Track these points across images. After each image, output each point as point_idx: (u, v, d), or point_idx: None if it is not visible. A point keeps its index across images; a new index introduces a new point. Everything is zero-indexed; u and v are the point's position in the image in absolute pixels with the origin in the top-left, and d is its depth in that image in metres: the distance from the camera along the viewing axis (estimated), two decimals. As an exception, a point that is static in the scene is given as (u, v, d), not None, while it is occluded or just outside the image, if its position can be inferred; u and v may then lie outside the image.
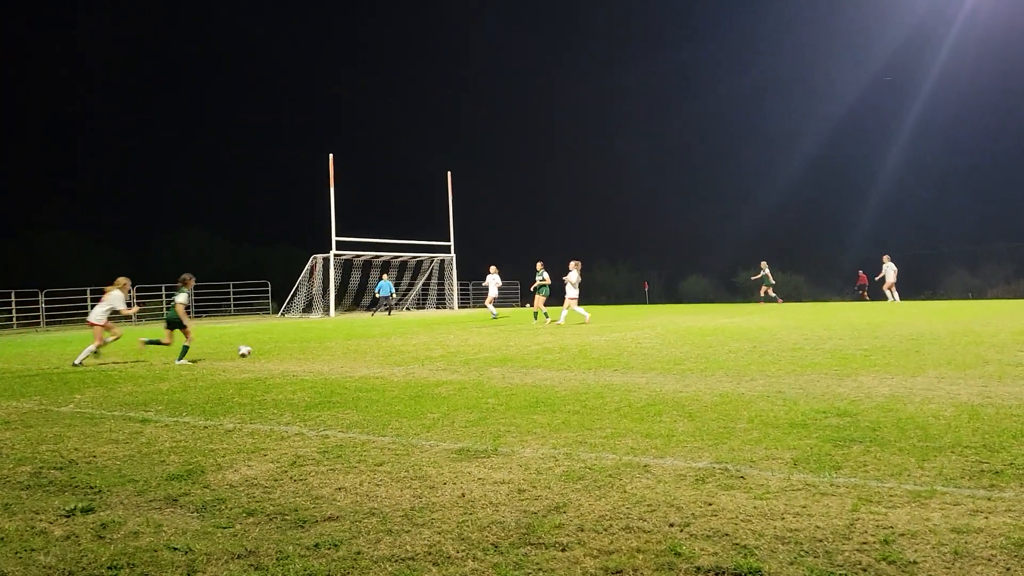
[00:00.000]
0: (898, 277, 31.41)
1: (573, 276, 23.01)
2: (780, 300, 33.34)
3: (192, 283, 13.36)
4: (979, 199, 54.23)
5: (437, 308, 40.03)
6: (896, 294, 31.34)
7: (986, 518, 3.78)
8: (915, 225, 53.60)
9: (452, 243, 39.55)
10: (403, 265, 39.29)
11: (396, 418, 6.96)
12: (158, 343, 13.22)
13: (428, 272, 40.23)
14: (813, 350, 10.88)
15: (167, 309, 13.36)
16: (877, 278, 32.21)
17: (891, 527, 3.71)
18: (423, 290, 40.55)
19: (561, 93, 75.19)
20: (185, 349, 12.78)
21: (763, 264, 33.18)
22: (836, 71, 63.35)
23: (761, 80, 65.42)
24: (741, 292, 48.28)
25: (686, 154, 70.66)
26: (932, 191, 55.61)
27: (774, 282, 33.36)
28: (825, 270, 51.06)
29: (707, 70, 70.74)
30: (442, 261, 39.96)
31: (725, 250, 55.47)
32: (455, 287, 40.07)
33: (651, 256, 57.89)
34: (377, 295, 33.79)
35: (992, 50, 52.02)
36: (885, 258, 31.37)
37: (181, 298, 12.91)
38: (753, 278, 34.05)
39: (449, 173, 39.36)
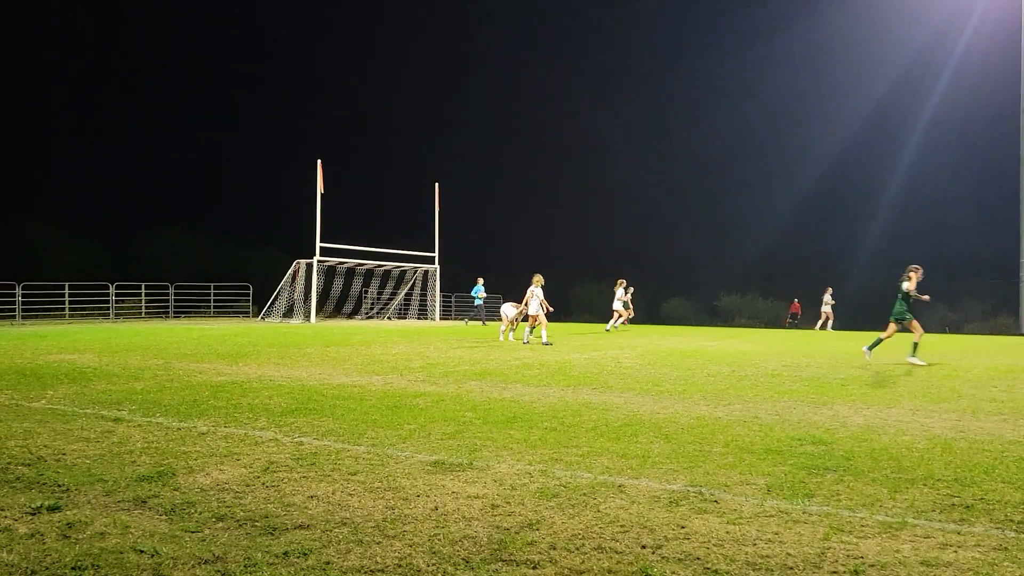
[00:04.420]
0: (823, 304, 33.10)
1: (620, 293, 25.35)
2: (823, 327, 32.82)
3: None
4: (961, 237, 55.15)
5: (419, 318, 39.56)
6: (820, 324, 32.91)
7: (955, 552, 3.81)
8: (900, 259, 54.59)
9: (437, 254, 39.50)
10: (386, 274, 39.18)
11: (372, 427, 6.91)
12: None
13: (411, 282, 39.91)
14: (791, 377, 10.95)
15: None
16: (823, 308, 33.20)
17: (861, 557, 3.73)
18: (405, 300, 40.20)
19: (555, 111, 75.74)
20: None
21: (828, 289, 33.33)
22: (831, 106, 64.41)
23: (756, 111, 66.39)
24: (721, 316, 48.31)
25: (676, 179, 71.22)
26: (921, 225, 56.49)
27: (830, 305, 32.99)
28: (815, 300, 51.61)
29: (703, 97, 71.61)
30: (426, 272, 39.65)
31: (709, 274, 55.71)
32: (438, 298, 39.85)
33: (635, 276, 57.72)
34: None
35: (982, 96, 53.09)
36: (828, 290, 33.22)
37: None
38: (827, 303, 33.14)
39: (437, 184, 39.32)
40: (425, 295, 40.02)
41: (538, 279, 18.60)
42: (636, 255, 62.32)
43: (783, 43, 64.09)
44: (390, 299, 40.16)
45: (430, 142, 75.47)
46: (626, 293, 26.81)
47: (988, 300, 45.96)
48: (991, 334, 36.18)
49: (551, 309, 19.64)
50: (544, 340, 17.89)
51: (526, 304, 18.55)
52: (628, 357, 14.31)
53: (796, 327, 38.50)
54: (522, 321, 19.91)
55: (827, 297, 32.69)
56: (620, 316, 26.61)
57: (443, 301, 41.71)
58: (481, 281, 32.26)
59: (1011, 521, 4.31)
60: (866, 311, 42.59)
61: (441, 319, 40.62)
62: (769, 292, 48.89)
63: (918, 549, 3.84)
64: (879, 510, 4.49)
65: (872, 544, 3.91)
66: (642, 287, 54.70)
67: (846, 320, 37.84)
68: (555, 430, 6.83)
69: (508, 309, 20.22)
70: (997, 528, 4.19)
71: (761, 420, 7.41)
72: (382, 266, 38.36)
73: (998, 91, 48.90)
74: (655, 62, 75.38)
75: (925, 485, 5.05)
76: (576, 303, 50.36)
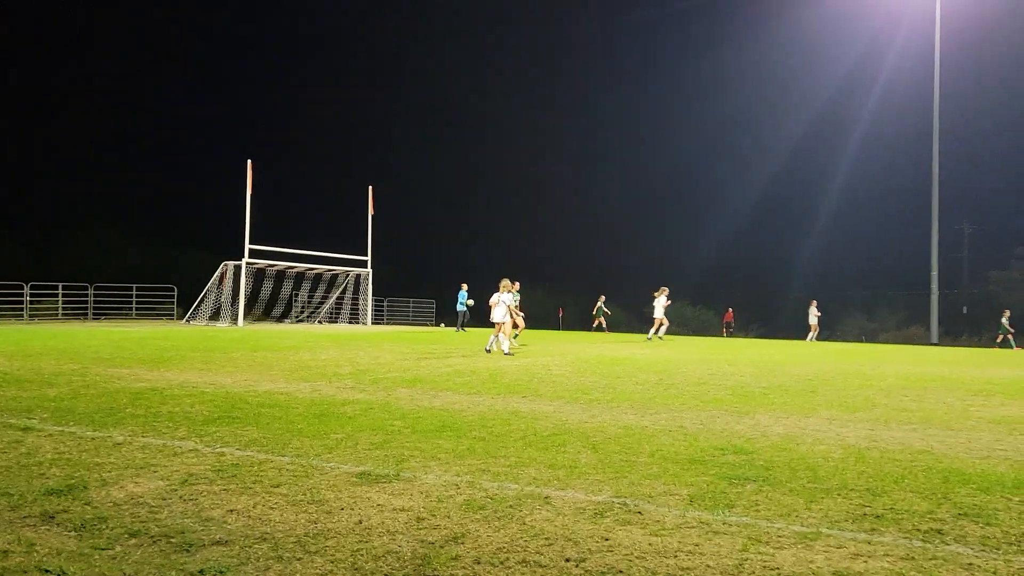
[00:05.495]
0: (810, 316, 34.04)
1: (661, 301, 25.59)
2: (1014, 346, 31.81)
3: None
4: (880, 249, 57.65)
5: (350, 323, 39.12)
6: (812, 335, 33.79)
7: (865, 562, 3.94)
8: (828, 270, 56.56)
9: (369, 258, 39.05)
10: (318, 278, 38.44)
11: (298, 437, 6.76)
12: None
13: (343, 286, 39.39)
14: (716, 385, 11.21)
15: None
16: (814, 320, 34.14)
17: (777, 568, 3.83)
18: (337, 304, 39.67)
19: (496, 115, 75.65)
20: None
21: (1006, 312, 32.62)
22: (766, 123, 66.41)
23: (691, 126, 68.09)
24: (652, 322, 49.45)
25: (615, 188, 72.00)
26: (848, 237, 58.95)
27: (1012, 329, 31.97)
28: (752, 306, 53.07)
29: (640, 108, 72.78)
30: (358, 276, 39.27)
31: (642, 280, 56.03)
32: (370, 303, 39.56)
33: (569, 282, 57.41)
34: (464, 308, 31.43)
35: (904, 114, 55.55)
36: (813, 302, 33.95)
37: None
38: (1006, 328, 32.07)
39: (371, 188, 38.95)
40: (357, 299, 39.46)
41: (506, 284, 17.68)
42: (570, 261, 62.61)
43: (716, 61, 66.00)
44: (321, 303, 39.57)
45: (366, 144, 74.50)
46: (665, 300, 26.42)
47: (902, 311, 48.09)
48: (903, 343, 37.82)
49: (521, 314, 19.29)
50: (505, 349, 17.14)
51: (492, 310, 17.68)
52: (559, 365, 14.42)
53: (733, 335, 40.07)
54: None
55: (813, 309, 33.65)
56: (662, 325, 26.22)
57: (375, 305, 41.51)
58: (465, 287, 31.30)
59: (918, 531, 4.49)
60: (797, 321, 43.99)
61: (373, 323, 40.32)
62: (698, 301, 49.94)
63: (831, 559, 3.96)
64: (795, 520, 4.62)
65: (788, 555, 4.01)
66: (576, 293, 54.79)
67: (775, 329, 39.20)
68: (484, 440, 6.81)
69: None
70: (905, 538, 4.36)
71: (686, 429, 7.53)
72: (313, 269, 37.72)
73: (919, 109, 51.18)
74: (591, 72, 76.32)
75: (839, 495, 5.21)
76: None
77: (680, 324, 47.06)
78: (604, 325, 35.77)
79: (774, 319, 51.34)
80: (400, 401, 9.00)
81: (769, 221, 64.82)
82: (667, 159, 71.43)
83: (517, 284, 20.12)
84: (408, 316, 46.13)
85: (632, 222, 69.18)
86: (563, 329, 42.10)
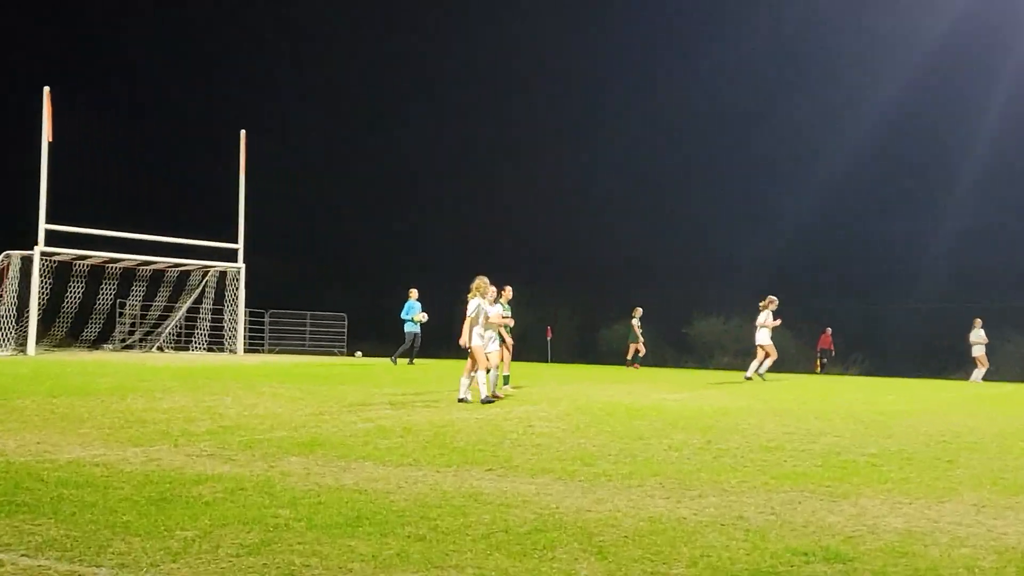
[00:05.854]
0: (972, 344, 23.41)
1: (764, 318, 19.35)
2: None
3: None
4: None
5: (210, 349, 27.89)
6: (980, 371, 23.42)
7: None
8: (970, 269, 34.45)
9: (241, 246, 27.09)
10: (157, 277, 27.07)
11: (124, 535, 4.58)
12: None
13: (199, 290, 27.68)
14: (796, 451, 8.18)
15: None
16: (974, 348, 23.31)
17: None
18: (188, 321, 28.20)
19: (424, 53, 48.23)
20: None
21: None
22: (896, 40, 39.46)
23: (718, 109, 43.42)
24: (693, 350, 33.43)
25: (619, 147, 45.08)
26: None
27: None
28: (853, 325, 33.79)
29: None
30: (222, 275, 27.49)
31: (674, 288, 36.36)
32: (241, 318, 27.66)
33: (560, 289, 37.96)
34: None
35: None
36: (977, 322, 23.62)
37: None
38: None
39: (243, 133, 27.32)
40: (222, 313, 27.97)
41: (480, 286, 12.11)
42: (563, 256, 42.04)
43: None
44: (162, 318, 28.08)
45: (237, 72, 48.53)
46: (774, 319, 19.69)
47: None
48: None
49: (509, 341, 13.52)
50: (484, 393, 12.00)
51: (467, 332, 12.07)
52: (545, 417, 10.66)
53: (827, 370, 28.76)
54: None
55: (978, 333, 23.40)
56: (768, 356, 19.56)
57: (251, 323, 30.01)
58: (415, 294, 22.40)
59: None
60: (922, 346, 30.68)
61: (247, 351, 28.43)
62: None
63: None
64: None
65: None
66: (571, 305, 36.36)
67: (890, 359, 28.11)
68: (423, 540, 4.59)
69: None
70: None
71: (748, 522, 5.15)
72: (150, 264, 26.39)
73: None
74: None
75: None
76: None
77: (740, 352, 31.70)
78: (641, 355, 26.15)
79: (887, 344, 32.68)
80: (289, 478, 6.34)
81: (876, 194, 39.77)
82: (705, 106, 43.69)
83: (508, 290, 13.99)
84: (304, 340, 32.77)
85: (655, 198, 43.34)
86: (552, 360, 29.92)
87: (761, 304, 19.87)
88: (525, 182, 44.39)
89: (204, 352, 27.46)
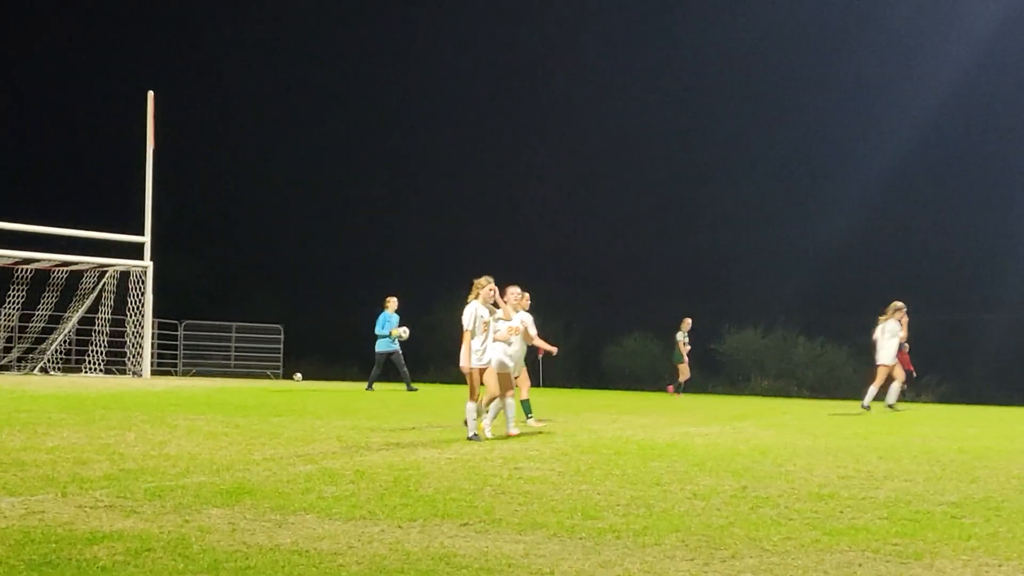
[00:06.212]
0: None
1: (893, 327, 16.23)
2: None
3: None
4: None
5: (109, 371, 23.28)
6: None
7: None
8: None
9: (148, 240, 22.45)
10: (41, 280, 22.44)
11: None
12: None
13: (95, 296, 22.93)
14: (855, 500, 6.86)
15: None
16: None
17: None
18: (80, 333, 23.55)
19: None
20: None
21: None
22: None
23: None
24: (725, 371, 27.44)
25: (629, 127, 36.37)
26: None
27: None
28: (932, 342, 24.95)
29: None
30: (124, 276, 22.73)
31: (700, 295, 30.32)
32: (148, 330, 22.75)
33: (553, 298, 25.86)
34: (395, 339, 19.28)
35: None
36: None
37: None
38: None
39: (151, 95, 22.91)
40: (124, 324, 23.21)
41: (480, 286, 10.06)
42: (558, 254, 34.10)
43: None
44: (47, 331, 23.28)
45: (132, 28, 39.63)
46: (902, 330, 16.68)
47: None
48: None
49: (551, 350, 11.58)
50: (512, 427, 10.32)
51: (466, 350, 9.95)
52: (536, 456, 9.04)
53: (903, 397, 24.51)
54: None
55: None
56: (893, 377, 16.57)
57: (160, 337, 24.98)
58: (394, 304, 19.37)
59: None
60: (1012, 364, 24.50)
61: (155, 373, 24.00)
62: (819, 329, 26.91)
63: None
64: None
65: None
66: (570, 315, 28.29)
67: (973, 381, 23.28)
68: None
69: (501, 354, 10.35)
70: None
71: None
72: (30, 262, 22.03)
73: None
74: None
75: None
76: (433, 343, 25.67)
77: (781, 375, 26.80)
78: (681, 380, 22.48)
79: (969, 363, 26.67)
80: (209, 535, 4.97)
81: (950, 180, 32.12)
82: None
83: (526, 296, 11.77)
84: (228, 359, 27.24)
85: (671, 187, 35.93)
86: (544, 384, 23.73)
87: (888, 313, 16.88)
88: (504, 169, 37.04)
89: (100, 374, 22.99)
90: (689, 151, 36.82)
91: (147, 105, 23.11)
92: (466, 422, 10.14)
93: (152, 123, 22.80)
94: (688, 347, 22.13)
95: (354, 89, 38.88)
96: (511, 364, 10.20)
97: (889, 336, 16.42)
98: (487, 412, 10.10)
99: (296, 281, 33.63)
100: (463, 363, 9.88)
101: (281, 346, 27.46)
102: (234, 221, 35.96)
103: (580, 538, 5.06)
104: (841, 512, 6.07)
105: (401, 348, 19.32)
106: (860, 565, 4.58)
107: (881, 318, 16.76)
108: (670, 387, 22.54)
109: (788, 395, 23.27)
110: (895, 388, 16.70)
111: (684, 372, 22.14)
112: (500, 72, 38.99)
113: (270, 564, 4.31)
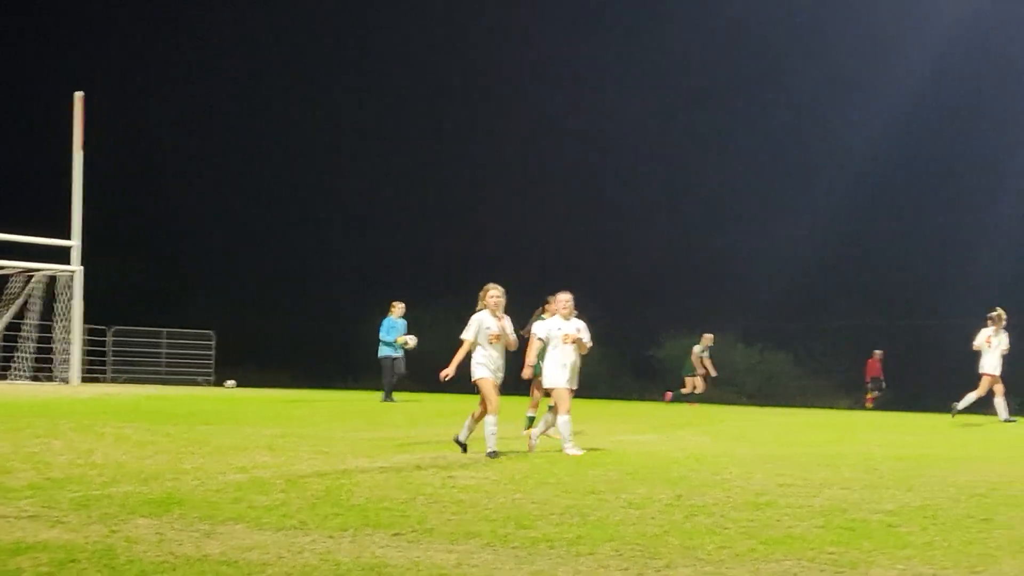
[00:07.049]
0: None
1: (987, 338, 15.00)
2: None
3: None
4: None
5: (35, 378, 22.90)
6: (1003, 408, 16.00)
7: None
8: None
9: (76, 243, 21.96)
10: None
11: None
12: None
13: (22, 300, 22.48)
14: (792, 508, 6.88)
15: None
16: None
17: None
18: (4, 339, 23.19)
19: None
20: None
21: None
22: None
23: None
24: (661, 379, 26.33)
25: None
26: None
27: None
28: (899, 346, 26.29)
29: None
30: (51, 281, 22.30)
31: (639, 298, 30.04)
32: (76, 336, 22.24)
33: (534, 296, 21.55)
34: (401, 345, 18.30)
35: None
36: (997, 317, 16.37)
37: None
38: None
39: (78, 96, 22.39)
40: (51, 329, 22.57)
41: (483, 297, 9.45)
42: (530, 255, 32.01)
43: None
44: None
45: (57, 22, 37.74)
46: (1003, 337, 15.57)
47: None
48: None
49: (587, 344, 9.93)
50: (571, 449, 9.72)
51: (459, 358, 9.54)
52: (469, 465, 8.92)
53: (877, 404, 24.12)
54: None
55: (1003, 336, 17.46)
56: (994, 390, 15.37)
57: (89, 343, 24.57)
58: (400, 309, 18.53)
59: None
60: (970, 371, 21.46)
61: (84, 380, 23.52)
62: (770, 335, 26.61)
63: None
64: None
65: None
66: (516, 312, 26.86)
67: (920, 389, 23.01)
68: None
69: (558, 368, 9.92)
70: None
71: None
72: None
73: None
74: None
75: None
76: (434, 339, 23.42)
77: (727, 383, 25.70)
78: (686, 391, 21.88)
79: (915, 370, 25.98)
80: (136, 545, 4.82)
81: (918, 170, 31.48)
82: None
83: (570, 297, 10.21)
84: (159, 366, 26.92)
85: (640, 183, 34.74)
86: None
87: (993, 317, 15.69)
88: (480, 158, 35.42)
89: (27, 381, 22.49)
90: (612, 158, 36.02)
91: (74, 106, 22.57)
92: (491, 449, 9.43)
93: (80, 124, 22.26)
94: (709, 360, 21.47)
95: (288, 89, 38.08)
96: (567, 374, 9.60)
97: (995, 346, 15.23)
98: (555, 425, 9.71)
99: (229, 287, 32.74)
100: (475, 375, 9.38)
101: (213, 352, 27.06)
102: (166, 225, 34.91)
103: (513, 547, 5.00)
104: (777, 521, 6.08)
105: (406, 356, 18.42)
106: (795, 574, 4.57)
107: (994, 327, 15.38)
108: (667, 394, 22.39)
109: (727, 402, 23.33)
110: (1000, 404, 15.42)
111: (692, 385, 21.67)
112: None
113: (198, 575, 4.18)
